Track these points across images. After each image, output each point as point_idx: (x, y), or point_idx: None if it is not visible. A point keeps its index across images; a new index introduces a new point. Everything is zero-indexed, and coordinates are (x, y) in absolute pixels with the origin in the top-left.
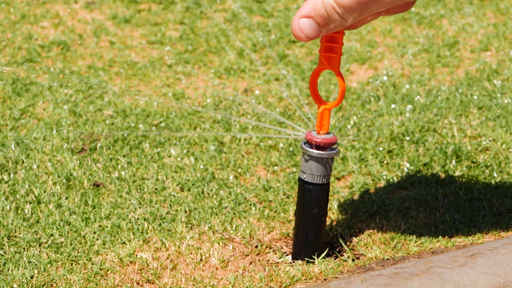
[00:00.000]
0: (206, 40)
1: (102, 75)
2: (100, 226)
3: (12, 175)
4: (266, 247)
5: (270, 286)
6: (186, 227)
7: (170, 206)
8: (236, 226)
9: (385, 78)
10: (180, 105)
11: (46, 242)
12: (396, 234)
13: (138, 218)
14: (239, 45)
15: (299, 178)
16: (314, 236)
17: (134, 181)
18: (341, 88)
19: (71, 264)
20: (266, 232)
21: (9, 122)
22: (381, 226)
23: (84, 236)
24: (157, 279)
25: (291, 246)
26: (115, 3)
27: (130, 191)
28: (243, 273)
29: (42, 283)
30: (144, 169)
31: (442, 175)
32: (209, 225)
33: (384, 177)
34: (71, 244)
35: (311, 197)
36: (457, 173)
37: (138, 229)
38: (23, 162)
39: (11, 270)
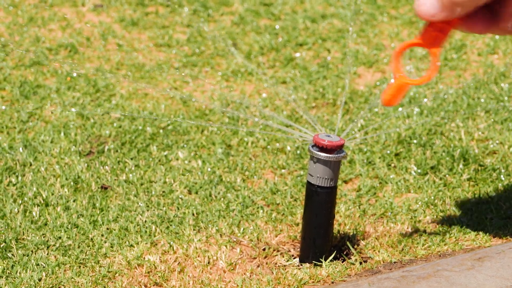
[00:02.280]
0: (214, 43)
1: (110, 77)
2: (108, 228)
3: (20, 178)
4: (274, 250)
5: None
6: (194, 230)
7: (178, 209)
8: (243, 229)
9: (392, 81)
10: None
11: (54, 245)
12: (403, 237)
13: (145, 221)
14: (246, 48)
15: (307, 181)
16: (321, 239)
17: (141, 184)
18: (434, 68)
19: (79, 266)
20: (273, 235)
21: (17, 125)
22: (388, 229)
23: (92, 239)
24: (165, 282)
25: (299, 249)
26: (122, 6)
27: (138, 194)
28: (250, 276)
29: (50, 285)
30: (151, 172)
31: (450, 178)
32: (217, 228)
33: (392, 180)
34: (79, 247)
35: (319, 200)
36: (465, 176)
37: (145, 232)
38: (31, 164)
39: (19, 273)
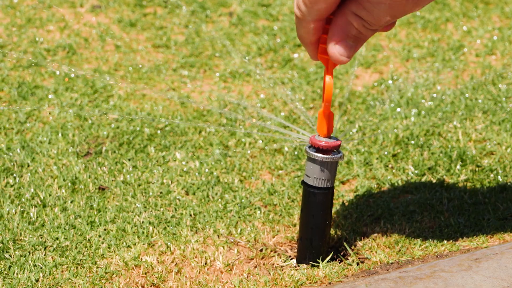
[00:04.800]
0: (211, 44)
1: (108, 78)
2: (105, 229)
3: (17, 179)
4: (271, 251)
5: None
6: (191, 230)
7: (175, 209)
8: (241, 230)
9: (390, 82)
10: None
11: (51, 246)
12: (400, 238)
13: (143, 222)
14: (244, 49)
15: (304, 182)
16: (318, 240)
17: (139, 185)
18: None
19: (76, 267)
20: (271, 235)
21: (15, 126)
22: (385, 230)
23: (89, 240)
24: (162, 283)
25: (296, 250)
26: (120, 7)
27: (135, 194)
28: (248, 277)
29: (48, 286)
30: (149, 173)
31: (447, 179)
32: (214, 228)
33: (389, 181)
34: (76, 248)
35: (316, 201)
36: (462, 177)
37: (143, 232)
38: (28, 165)
39: (17, 274)
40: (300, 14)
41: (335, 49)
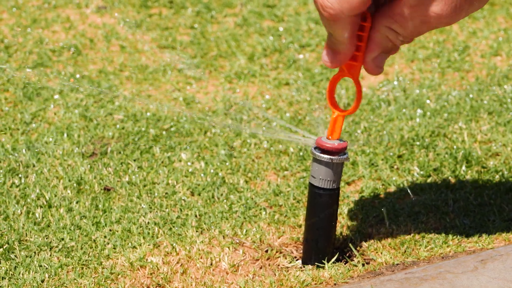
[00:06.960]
0: (217, 44)
1: (113, 79)
2: (110, 230)
3: (23, 179)
4: (276, 252)
5: None
6: (197, 231)
7: (181, 210)
8: (246, 231)
9: (395, 83)
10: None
11: (57, 246)
12: (406, 239)
13: (148, 223)
14: (249, 50)
15: (309, 183)
16: (324, 241)
17: (144, 186)
18: (358, 95)
19: (82, 268)
20: (276, 236)
21: (20, 126)
22: (391, 231)
23: (94, 240)
24: (167, 284)
25: (301, 251)
26: (126, 8)
27: (141, 195)
28: (253, 277)
29: (53, 287)
30: (154, 174)
31: (452, 180)
32: (220, 229)
33: (394, 182)
34: (81, 248)
35: (321, 202)
36: (467, 178)
37: (148, 233)
38: (34, 166)
39: (22, 274)
40: (332, 11)
41: (373, 64)
